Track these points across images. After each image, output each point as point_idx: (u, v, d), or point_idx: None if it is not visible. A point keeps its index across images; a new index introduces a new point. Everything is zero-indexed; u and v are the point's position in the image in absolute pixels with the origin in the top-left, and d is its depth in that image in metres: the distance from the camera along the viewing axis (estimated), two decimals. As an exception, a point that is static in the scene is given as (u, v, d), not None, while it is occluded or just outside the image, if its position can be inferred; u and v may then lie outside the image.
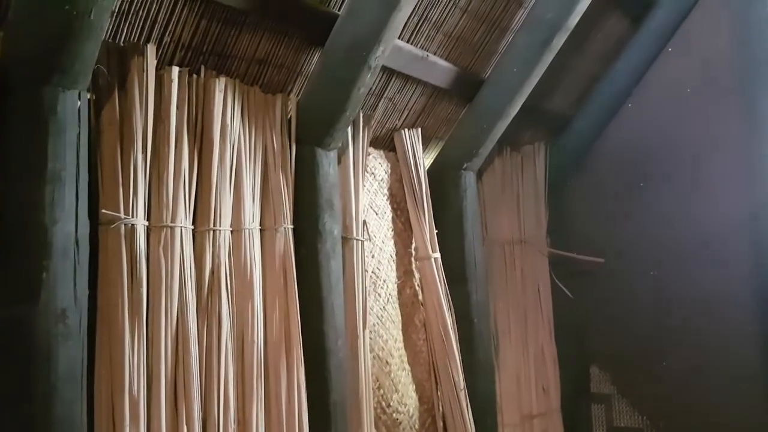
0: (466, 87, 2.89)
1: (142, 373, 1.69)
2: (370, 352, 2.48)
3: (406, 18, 2.20)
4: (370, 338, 2.51)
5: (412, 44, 2.57)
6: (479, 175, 3.20)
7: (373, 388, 2.46)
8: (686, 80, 3.39)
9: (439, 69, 2.72)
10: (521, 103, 2.90)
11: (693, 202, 3.34)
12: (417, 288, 2.86)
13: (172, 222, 1.81)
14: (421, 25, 2.55)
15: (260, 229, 2.11)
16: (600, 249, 3.48)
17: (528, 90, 2.86)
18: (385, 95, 2.66)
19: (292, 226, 2.17)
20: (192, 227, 1.90)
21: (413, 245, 2.88)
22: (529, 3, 2.78)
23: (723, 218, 3.25)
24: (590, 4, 2.69)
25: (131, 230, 1.73)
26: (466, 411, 2.74)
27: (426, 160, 2.98)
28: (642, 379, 3.45)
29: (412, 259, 2.87)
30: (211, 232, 1.93)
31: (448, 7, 2.58)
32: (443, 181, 2.99)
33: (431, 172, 2.97)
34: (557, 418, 3.37)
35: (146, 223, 1.78)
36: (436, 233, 2.86)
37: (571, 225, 3.61)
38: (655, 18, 3.34)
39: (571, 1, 2.63)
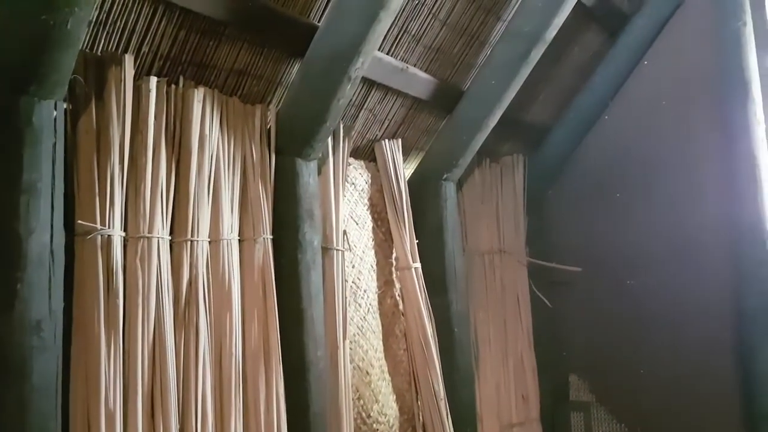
0: (445, 99, 2.92)
1: (118, 386, 1.67)
2: (350, 363, 2.47)
3: (386, 30, 2.22)
4: (351, 349, 2.50)
5: (392, 56, 2.59)
6: (459, 185, 3.23)
7: (353, 399, 2.45)
8: (662, 93, 3.46)
9: (418, 81, 2.74)
10: (500, 115, 2.94)
11: (669, 212, 3.40)
12: (397, 298, 2.86)
13: (149, 233, 1.80)
14: (401, 38, 2.57)
15: (239, 240, 2.10)
16: (578, 258, 3.52)
17: (507, 102, 2.90)
18: (365, 106, 2.67)
19: (271, 237, 2.16)
20: (169, 238, 1.89)
21: (394, 255, 2.89)
22: (507, 16, 2.83)
23: (699, 228, 3.31)
24: (567, 18, 2.74)
25: (107, 241, 1.71)
26: (446, 420, 2.74)
27: (406, 170, 3.00)
28: (620, 387, 3.48)
29: (393, 269, 2.88)
30: (189, 243, 1.92)
31: (428, 20, 2.61)
32: (423, 191, 3.01)
33: (411, 182, 2.99)
34: (537, 427, 3.38)
35: (123, 234, 1.77)
36: (417, 243, 2.87)
37: (549, 235, 3.65)
38: (631, 32, 3.41)
39: (548, 15, 2.67)
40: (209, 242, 2.00)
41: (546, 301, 3.50)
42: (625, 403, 3.50)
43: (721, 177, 3.26)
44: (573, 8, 2.72)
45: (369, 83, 2.58)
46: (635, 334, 3.42)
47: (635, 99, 3.54)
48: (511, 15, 2.80)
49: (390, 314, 2.82)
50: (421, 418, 2.79)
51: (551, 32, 2.73)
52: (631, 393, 3.43)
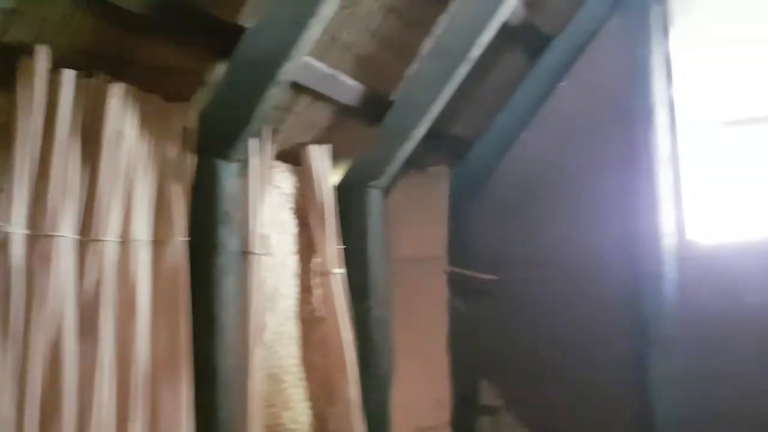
0: (374, 107, 2.95)
1: (10, 393, 1.59)
2: (265, 369, 2.45)
3: (316, 37, 2.23)
4: (267, 355, 2.48)
5: (322, 62, 2.59)
6: (385, 193, 3.27)
7: (265, 406, 2.43)
8: (577, 113, 3.65)
9: (348, 88, 2.76)
10: (427, 126, 3.01)
11: (577, 226, 3.59)
12: (318, 304, 2.86)
13: (53, 231, 1.72)
14: (331, 45, 2.58)
15: (152, 241, 2.04)
16: (494, 268, 3.65)
17: (433, 114, 2.98)
18: (293, 110, 2.66)
19: (186, 239, 2.11)
20: (77, 237, 1.82)
21: (317, 260, 2.88)
22: (436, 32, 2.90)
23: (602, 243, 3.51)
24: (492, 38, 2.85)
25: (6, 239, 1.62)
26: (359, 427, 2.76)
27: (333, 176, 3.01)
28: (528, 394, 3.63)
29: (315, 275, 2.87)
30: (97, 243, 1.85)
31: (359, 30, 2.63)
32: (349, 198, 3.03)
33: (338, 188, 3.00)
34: (448, 431, 3.47)
35: (25, 232, 1.68)
36: (341, 249, 2.88)
37: (469, 244, 3.76)
38: (551, 55, 3.57)
39: (474, 34, 2.77)
40: (119, 243, 1.93)
41: (463, 308, 3.60)
42: (531, 409, 3.65)
43: (624, 195, 3.47)
44: (498, 28, 2.83)
45: (298, 88, 2.57)
46: (543, 342, 3.58)
47: (552, 118, 3.71)
48: (440, 31, 2.88)
49: (310, 320, 2.82)
50: (334, 424, 2.80)
51: (476, 50, 2.82)
52: (538, 399, 3.59)
